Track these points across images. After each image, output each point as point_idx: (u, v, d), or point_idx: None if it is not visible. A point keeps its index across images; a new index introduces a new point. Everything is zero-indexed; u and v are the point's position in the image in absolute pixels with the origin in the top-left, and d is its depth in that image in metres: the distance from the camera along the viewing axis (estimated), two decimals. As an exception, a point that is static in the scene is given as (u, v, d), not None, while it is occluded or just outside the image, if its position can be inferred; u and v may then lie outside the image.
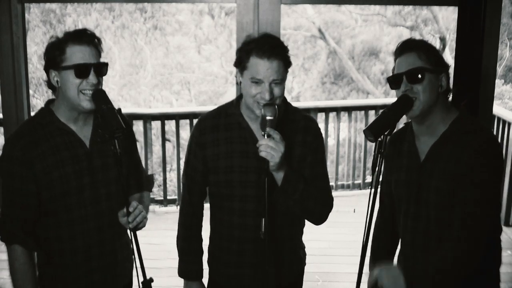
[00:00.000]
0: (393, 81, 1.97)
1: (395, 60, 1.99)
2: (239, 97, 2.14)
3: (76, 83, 1.94)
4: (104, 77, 2.04)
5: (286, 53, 2.01)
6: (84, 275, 2.12)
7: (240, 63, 2.01)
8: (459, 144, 1.91)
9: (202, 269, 2.28)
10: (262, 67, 1.94)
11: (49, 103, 2.09)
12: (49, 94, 2.12)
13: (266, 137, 1.93)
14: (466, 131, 1.93)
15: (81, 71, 1.93)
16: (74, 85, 1.94)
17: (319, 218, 2.16)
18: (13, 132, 2.07)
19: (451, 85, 2.02)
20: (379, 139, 1.88)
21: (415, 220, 2.02)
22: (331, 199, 2.19)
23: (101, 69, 1.99)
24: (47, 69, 2.00)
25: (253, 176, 2.06)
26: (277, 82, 1.96)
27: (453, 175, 1.90)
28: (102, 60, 2.02)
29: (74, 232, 2.06)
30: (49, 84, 2.03)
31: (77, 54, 1.93)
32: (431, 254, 1.96)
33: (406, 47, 1.95)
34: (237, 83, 2.09)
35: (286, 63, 1.99)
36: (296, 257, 2.28)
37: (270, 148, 1.91)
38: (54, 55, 1.95)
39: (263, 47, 1.94)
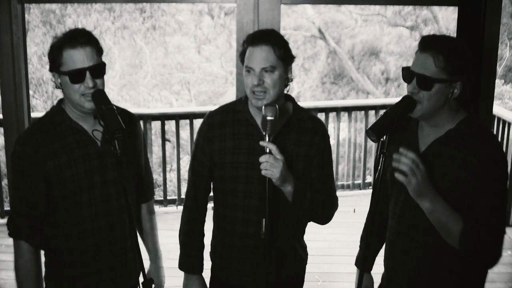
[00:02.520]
0: (406, 75, 1.93)
1: (417, 49, 1.91)
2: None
3: (75, 88, 1.96)
4: (104, 77, 2.05)
5: (280, 41, 2.03)
6: (93, 274, 2.12)
7: (241, 56, 2.08)
8: (465, 148, 1.88)
9: (202, 264, 2.30)
10: (252, 54, 2.00)
11: (60, 102, 2.11)
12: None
13: (267, 138, 1.94)
14: (473, 135, 1.89)
15: (76, 77, 1.94)
16: (73, 90, 1.96)
17: (326, 220, 2.22)
18: (25, 129, 2.11)
19: (469, 93, 1.92)
20: (381, 139, 1.87)
21: (403, 208, 2.02)
22: (336, 200, 2.23)
23: (98, 70, 1.99)
24: (51, 70, 2.02)
25: (258, 172, 2.05)
26: (267, 69, 1.98)
27: (457, 178, 1.88)
28: (103, 58, 2.02)
29: (84, 230, 2.07)
30: (56, 85, 2.05)
31: (72, 59, 1.94)
32: (414, 245, 1.98)
33: (428, 47, 1.86)
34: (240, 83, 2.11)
35: (279, 50, 2.01)
36: (296, 255, 2.29)
37: (269, 165, 1.93)
38: (54, 58, 1.97)
39: (254, 36, 2.02)
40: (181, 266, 2.30)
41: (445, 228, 1.87)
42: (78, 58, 1.94)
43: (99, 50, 2.01)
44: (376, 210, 1.98)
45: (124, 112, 2.18)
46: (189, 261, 2.28)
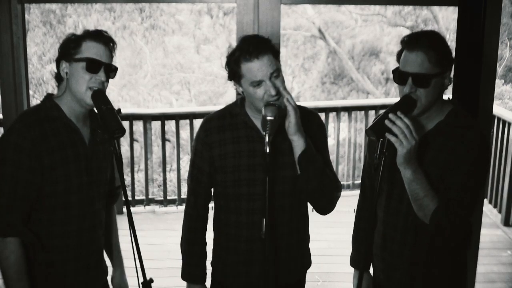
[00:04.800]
0: (399, 77, 1.95)
1: (402, 50, 1.95)
2: (243, 98, 2.15)
3: (85, 78, 1.96)
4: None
5: (271, 45, 2.01)
6: (72, 273, 2.11)
7: (234, 75, 2.01)
8: (454, 137, 1.95)
9: (205, 273, 2.28)
10: (255, 68, 1.95)
11: (51, 96, 2.07)
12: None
13: (267, 138, 1.93)
14: (461, 125, 1.97)
15: (92, 66, 1.97)
16: (83, 79, 1.97)
17: (330, 202, 2.15)
18: (17, 121, 2.00)
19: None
20: (381, 139, 1.88)
21: (399, 202, 2.05)
22: (340, 183, 2.18)
23: (111, 70, 2.03)
24: (59, 60, 2.02)
25: (260, 174, 2.06)
26: (275, 74, 1.98)
27: (443, 163, 1.94)
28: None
29: (68, 230, 2.06)
30: (57, 76, 2.04)
31: (91, 50, 1.98)
32: (411, 236, 2.03)
33: (417, 45, 1.88)
34: (238, 94, 2.10)
35: (274, 53, 2.00)
36: (302, 253, 2.29)
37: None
38: (69, 47, 1.99)
39: (248, 50, 1.95)
40: (184, 276, 2.28)
41: (420, 202, 1.91)
42: (98, 51, 1.99)
43: (112, 54, 2.06)
44: (375, 209, 2.00)
45: None
46: (192, 270, 2.26)
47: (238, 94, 2.12)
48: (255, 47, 1.95)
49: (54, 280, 2.09)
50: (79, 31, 2.06)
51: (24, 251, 1.99)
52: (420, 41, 1.89)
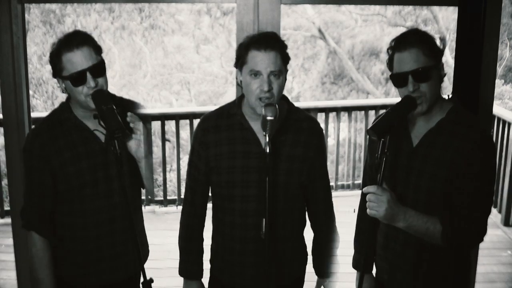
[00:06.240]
0: (398, 80, 1.94)
1: (392, 55, 1.94)
2: (241, 97, 2.15)
3: (78, 90, 1.99)
4: (106, 75, 2.07)
5: (283, 46, 2.03)
6: (95, 262, 2.19)
7: (239, 59, 2.04)
8: (457, 135, 1.94)
9: (202, 269, 2.30)
10: (259, 58, 1.97)
11: (69, 99, 2.14)
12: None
13: (267, 138, 1.93)
14: (464, 123, 1.96)
15: (77, 79, 1.97)
16: (77, 92, 2.00)
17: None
18: (36, 126, 2.20)
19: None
20: (382, 139, 1.87)
21: (401, 202, 2.04)
22: (330, 190, 2.34)
23: (98, 69, 2.01)
24: (54, 77, 2.06)
25: (255, 176, 2.07)
26: (275, 73, 1.98)
27: (450, 164, 1.93)
28: (103, 56, 2.06)
29: (86, 222, 2.14)
30: (62, 90, 2.09)
31: (70, 62, 1.96)
32: (413, 236, 2.02)
33: (407, 43, 1.89)
34: (238, 84, 2.10)
35: (283, 56, 2.01)
36: (298, 256, 2.29)
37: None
38: (54, 64, 2.01)
39: (259, 40, 1.99)
40: (181, 272, 2.31)
41: (426, 234, 1.94)
42: (76, 60, 1.96)
43: (97, 49, 2.02)
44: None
45: (129, 103, 2.26)
46: (189, 266, 2.29)
47: (237, 85, 2.12)
48: (267, 40, 1.99)
49: (80, 268, 2.20)
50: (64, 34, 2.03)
51: (45, 244, 2.16)
52: (408, 39, 1.90)
